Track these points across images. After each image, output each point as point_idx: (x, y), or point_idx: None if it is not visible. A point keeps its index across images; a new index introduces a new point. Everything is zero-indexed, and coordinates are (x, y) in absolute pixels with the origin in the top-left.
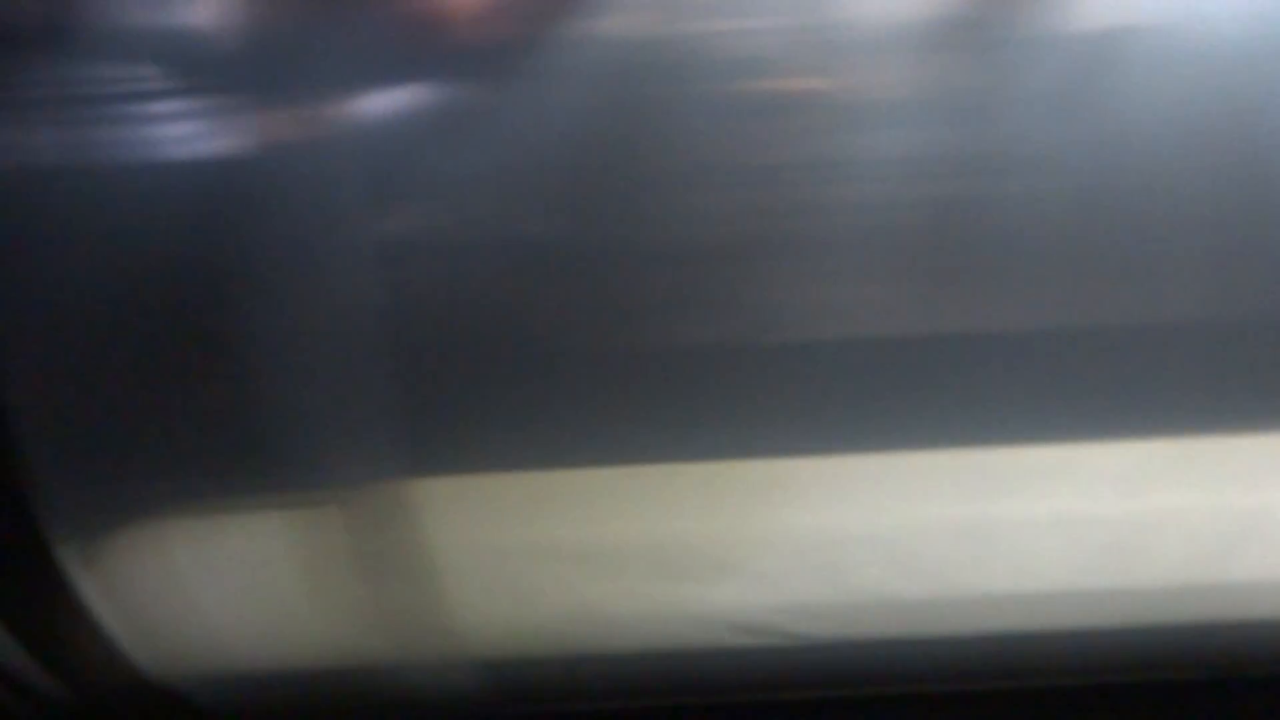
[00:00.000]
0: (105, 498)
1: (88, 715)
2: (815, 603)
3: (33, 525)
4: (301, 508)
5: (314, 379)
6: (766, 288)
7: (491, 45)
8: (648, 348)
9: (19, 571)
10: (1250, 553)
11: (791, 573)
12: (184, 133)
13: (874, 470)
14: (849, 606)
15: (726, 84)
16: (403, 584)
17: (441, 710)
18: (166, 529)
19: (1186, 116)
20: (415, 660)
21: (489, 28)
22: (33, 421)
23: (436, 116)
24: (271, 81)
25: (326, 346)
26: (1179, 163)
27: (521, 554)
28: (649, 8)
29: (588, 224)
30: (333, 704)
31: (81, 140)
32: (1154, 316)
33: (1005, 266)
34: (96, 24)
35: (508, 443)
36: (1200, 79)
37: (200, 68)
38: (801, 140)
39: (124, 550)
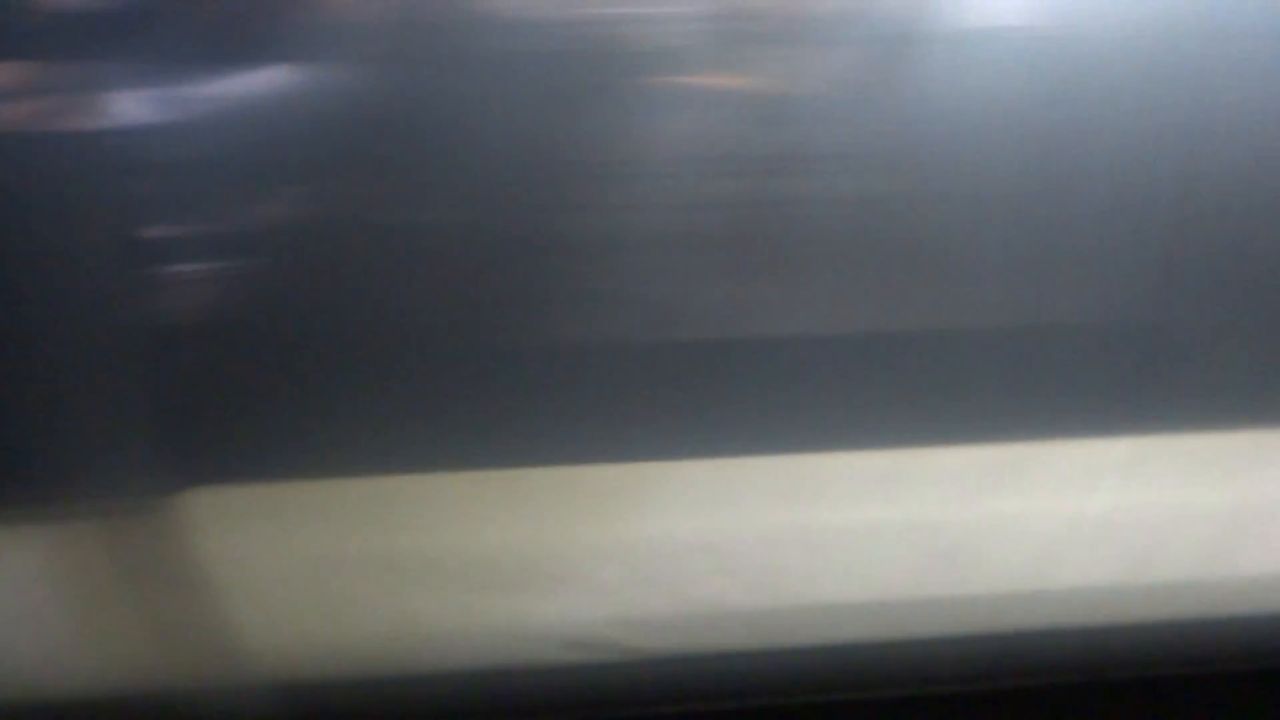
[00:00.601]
0: None
1: None
2: (649, 615)
3: None
4: (76, 522)
5: (93, 383)
6: (594, 290)
7: (323, 29)
8: (473, 349)
9: None
10: (1087, 558)
11: (624, 584)
12: None
13: (709, 477)
14: (684, 618)
15: (575, 76)
16: (192, 602)
17: None
18: None
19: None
20: (208, 684)
21: (330, 10)
22: None
23: (263, 101)
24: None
25: (110, 349)
26: (1022, 176)
27: (330, 567)
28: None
29: (393, 223)
30: None
31: None
32: (987, 323)
33: (837, 273)
34: None
35: (314, 448)
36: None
37: None
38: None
39: None
